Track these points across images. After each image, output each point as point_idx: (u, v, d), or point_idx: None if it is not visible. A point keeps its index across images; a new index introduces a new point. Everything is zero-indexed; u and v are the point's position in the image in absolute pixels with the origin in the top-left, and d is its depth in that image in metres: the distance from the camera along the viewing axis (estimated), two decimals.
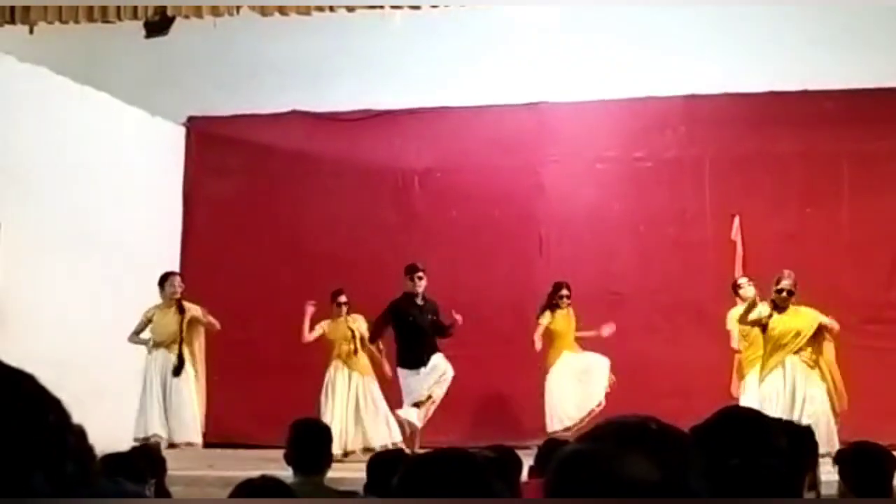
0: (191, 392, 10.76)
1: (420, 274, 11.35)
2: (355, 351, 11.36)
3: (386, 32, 9.98)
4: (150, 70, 11.72)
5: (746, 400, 9.90)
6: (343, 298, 11.45)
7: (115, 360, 11.43)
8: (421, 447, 10.45)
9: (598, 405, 11.18)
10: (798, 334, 10.17)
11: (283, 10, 9.51)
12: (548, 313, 11.52)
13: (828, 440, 9.23)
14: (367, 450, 10.95)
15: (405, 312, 11.32)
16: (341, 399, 11.28)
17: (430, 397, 11.19)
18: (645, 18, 11.26)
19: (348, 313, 11.46)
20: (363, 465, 5.47)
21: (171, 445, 10.60)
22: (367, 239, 13.19)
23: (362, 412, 11.25)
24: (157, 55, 10.72)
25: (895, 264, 12.45)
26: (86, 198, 11.87)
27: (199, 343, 10.96)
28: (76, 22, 9.52)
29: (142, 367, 11.29)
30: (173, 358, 10.73)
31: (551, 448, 5.70)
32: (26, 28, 9.65)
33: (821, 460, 4.68)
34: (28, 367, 1.46)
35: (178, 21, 9.65)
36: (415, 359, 11.25)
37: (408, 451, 8.97)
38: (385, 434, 11.15)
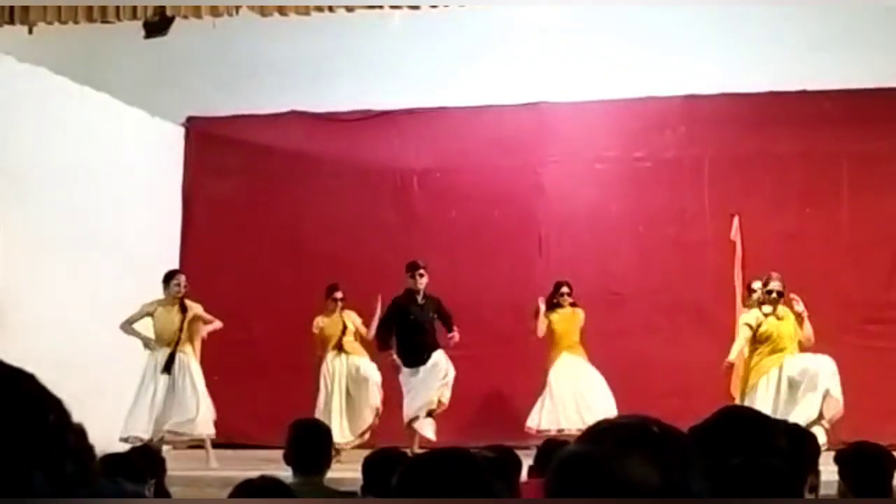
0: (201, 385, 10.75)
1: (421, 271, 11.35)
2: (342, 347, 11.38)
3: (385, 32, 9.98)
4: (150, 70, 11.72)
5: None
6: (339, 294, 11.48)
7: (114, 359, 11.42)
8: (420, 447, 10.45)
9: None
10: (791, 337, 10.21)
11: (282, 11, 9.51)
12: (546, 312, 11.49)
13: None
14: (360, 436, 11.03)
15: (405, 310, 11.33)
16: (337, 389, 11.32)
17: (440, 403, 11.18)
18: (645, 18, 11.26)
19: (343, 309, 11.48)
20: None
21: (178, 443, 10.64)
22: (366, 239, 13.19)
23: (358, 397, 11.28)
24: (156, 55, 10.72)
25: (895, 264, 12.45)
26: (85, 198, 11.86)
27: (198, 342, 10.97)
28: (75, 22, 9.51)
29: (141, 366, 11.30)
30: (176, 356, 10.73)
31: (551, 448, 5.70)
32: (25, 28, 9.65)
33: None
34: (28, 367, 1.46)
35: (178, 21, 9.65)
36: (415, 358, 11.26)
37: (407, 451, 8.96)
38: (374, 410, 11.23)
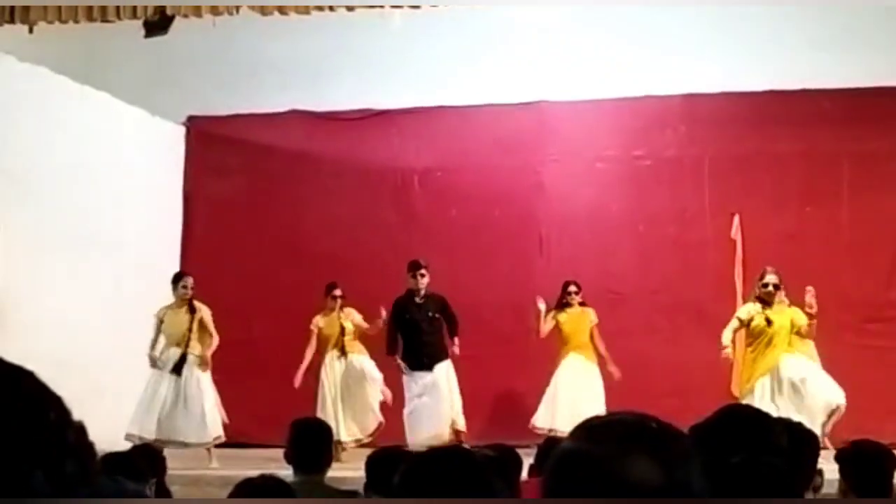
0: (209, 389, 10.74)
1: (422, 271, 11.33)
2: (342, 348, 11.38)
3: (386, 32, 9.97)
4: (150, 70, 11.71)
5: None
6: (338, 292, 11.47)
7: (114, 359, 11.43)
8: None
9: None
10: (786, 330, 10.22)
11: (282, 10, 9.51)
12: (554, 313, 11.48)
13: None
14: (367, 435, 11.03)
15: (402, 310, 11.32)
16: (336, 387, 11.32)
17: (458, 431, 11.11)
18: (645, 18, 11.25)
19: (342, 307, 11.47)
20: (363, 464, 5.47)
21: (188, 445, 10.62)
22: (367, 238, 13.19)
23: (361, 395, 11.27)
24: (156, 55, 10.71)
25: (895, 263, 12.45)
26: (86, 198, 11.86)
27: (211, 342, 10.95)
28: (76, 21, 9.51)
29: (142, 366, 11.29)
30: (188, 358, 10.72)
31: (551, 447, 5.70)
32: (26, 28, 9.64)
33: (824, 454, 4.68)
34: (28, 367, 1.46)
35: (178, 20, 9.64)
36: (416, 361, 11.24)
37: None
38: (374, 417, 11.20)
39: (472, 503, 2.00)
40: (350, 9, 9.52)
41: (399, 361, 11.27)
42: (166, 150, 13.60)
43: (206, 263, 12.93)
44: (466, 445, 8.54)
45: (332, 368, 11.43)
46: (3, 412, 1.36)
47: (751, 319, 10.29)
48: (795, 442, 2.79)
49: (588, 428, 1.53)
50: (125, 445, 5.40)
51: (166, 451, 8.12)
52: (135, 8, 9.43)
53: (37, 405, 1.40)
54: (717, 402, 2.89)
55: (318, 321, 11.49)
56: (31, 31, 9.67)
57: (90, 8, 9.42)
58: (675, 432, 1.54)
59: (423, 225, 13.30)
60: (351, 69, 12.14)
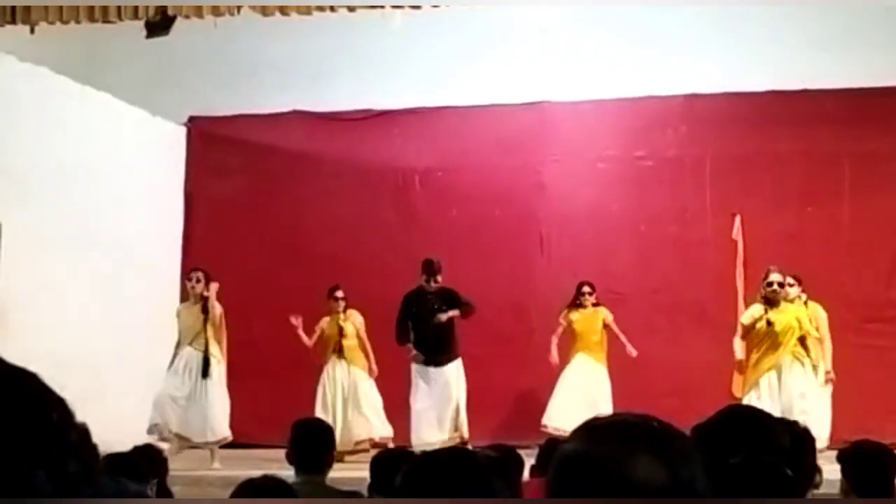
0: (222, 391, 10.74)
1: (438, 277, 11.28)
2: (340, 350, 11.37)
3: (386, 32, 9.97)
4: (151, 70, 11.71)
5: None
6: (339, 294, 11.48)
7: (115, 359, 11.43)
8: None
9: None
10: (793, 330, 10.18)
11: (283, 10, 9.51)
12: (566, 312, 11.47)
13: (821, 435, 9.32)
14: (357, 444, 11.01)
15: (410, 303, 11.32)
16: (335, 393, 11.32)
17: (462, 438, 11.12)
18: (645, 18, 11.26)
19: (345, 309, 11.48)
20: (364, 465, 5.47)
21: (197, 446, 10.62)
22: (367, 239, 13.19)
23: (362, 406, 11.29)
24: (157, 55, 10.72)
25: (895, 263, 12.45)
26: (86, 198, 11.86)
27: (223, 342, 10.96)
28: (77, 22, 9.51)
29: (142, 366, 11.31)
30: (198, 356, 10.70)
31: (553, 447, 5.69)
32: (27, 28, 9.64)
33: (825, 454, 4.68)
34: (28, 367, 1.46)
35: (179, 21, 9.65)
36: (425, 354, 11.24)
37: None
38: (368, 428, 11.19)
39: (474, 503, 2.00)
40: (351, 9, 9.52)
41: (414, 351, 11.24)
42: (167, 150, 13.60)
43: (206, 264, 12.88)
44: (468, 446, 8.55)
45: (332, 372, 11.43)
46: (5, 413, 1.36)
47: (753, 323, 10.25)
48: (796, 441, 2.79)
49: (591, 428, 1.53)
50: (126, 445, 5.39)
51: (167, 452, 8.11)
52: (136, 8, 9.43)
53: (39, 406, 1.39)
54: (717, 403, 2.89)
55: (322, 323, 11.51)
56: (32, 31, 9.68)
57: (91, 8, 9.42)
58: (678, 432, 1.54)
59: (423, 225, 13.30)
60: (352, 69, 12.14)
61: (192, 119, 13.92)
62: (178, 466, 9.68)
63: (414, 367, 11.32)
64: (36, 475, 1.35)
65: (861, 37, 11.13)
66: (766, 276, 10.32)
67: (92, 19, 9.46)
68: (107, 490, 1.58)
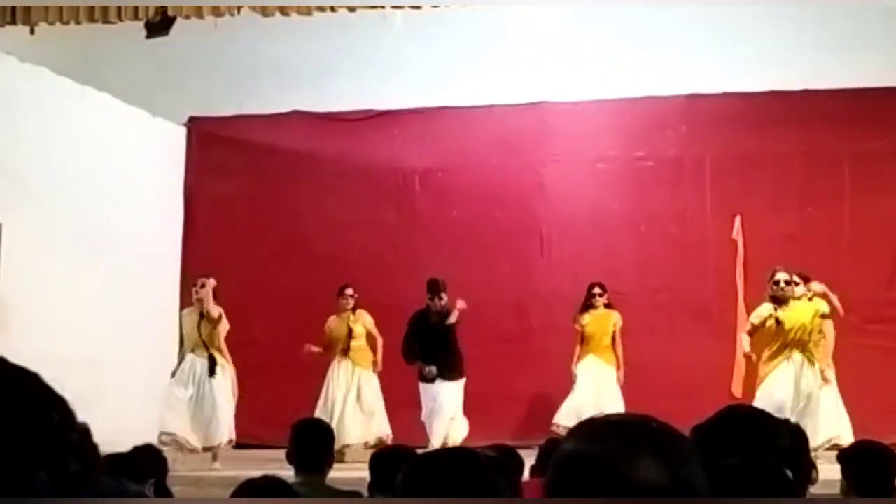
0: (226, 393, 10.74)
1: (442, 294, 11.29)
2: (347, 349, 11.37)
3: (387, 32, 9.98)
4: (151, 70, 11.71)
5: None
6: (349, 292, 11.47)
7: (116, 359, 11.44)
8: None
9: None
10: (802, 328, 10.17)
11: (284, 11, 9.51)
12: (578, 315, 11.44)
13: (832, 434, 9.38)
14: (377, 441, 11.03)
15: (418, 323, 11.31)
16: (340, 392, 11.32)
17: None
18: (645, 18, 11.26)
19: (354, 309, 11.47)
20: (364, 465, 5.47)
21: (206, 449, 10.61)
22: (368, 239, 13.19)
23: (363, 405, 11.29)
24: (157, 56, 10.72)
25: None
26: (86, 198, 11.86)
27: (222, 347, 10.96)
28: (77, 22, 9.51)
29: (142, 366, 11.31)
30: (200, 361, 10.68)
31: (553, 448, 5.68)
32: (27, 28, 9.64)
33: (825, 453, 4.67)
34: (28, 367, 1.46)
35: (179, 21, 9.65)
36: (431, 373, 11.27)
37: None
38: (369, 427, 11.22)
39: (475, 503, 2.00)
40: (351, 9, 9.52)
41: (426, 370, 11.26)
42: (167, 150, 13.60)
43: (207, 264, 12.91)
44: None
45: (338, 372, 11.42)
46: (6, 413, 1.36)
47: (763, 322, 10.25)
48: (796, 441, 2.79)
49: (590, 428, 1.52)
50: (126, 446, 5.39)
51: (168, 452, 8.11)
52: (136, 9, 9.43)
53: (40, 406, 1.40)
54: (717, 403, 2.88)
55: (331, 323, 11.49)
56: (32, 31, 9.68)
57: (91, 9, 9.43)
58: (677, 433, 1.54)
59: (424, 225, 13.30)
60: (352, 70, 12.15)
61: (192, 119, 13.92)
62: (179, 467, 9.68)
63: (421, 385, 11.33)
64: (37, 475, 1.35)
65: (861, 37, 11.13)
66: (773, 276, 10.31)
67: (92, 20, 9.46)
68: (107, 490, 1.59)
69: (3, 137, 10.88)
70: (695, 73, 12.19)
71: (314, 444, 5.26)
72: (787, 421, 2.87)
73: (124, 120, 12.65)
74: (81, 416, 1.46)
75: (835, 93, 12.25)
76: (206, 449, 10.59)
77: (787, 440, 2.67)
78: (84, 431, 1.43)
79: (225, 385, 10.73)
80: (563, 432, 10.38)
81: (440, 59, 11.82)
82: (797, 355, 10.15)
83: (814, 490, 2.92)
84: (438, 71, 12.09)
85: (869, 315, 12.11)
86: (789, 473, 2.56)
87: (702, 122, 12.82)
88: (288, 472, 4.95)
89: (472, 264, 12.65)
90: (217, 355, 10.71)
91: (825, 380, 10.22)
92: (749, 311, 10.99)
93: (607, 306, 11.46)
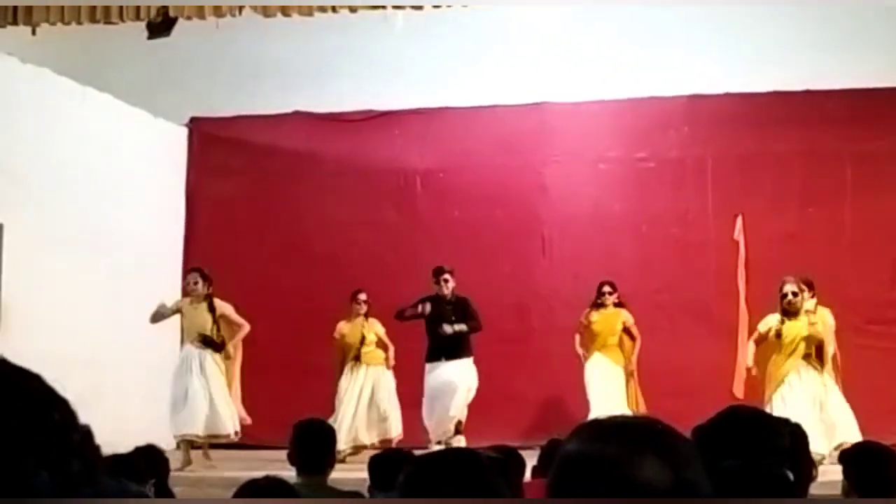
0: (221, 387, 10.74)
1: (445, 276, 11.31)
2: (360, 358, 11.39)
3: (388, 33, 9.98)
4: (153, 71, 11.72)
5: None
6: (363, 297, 11.47)
7: (116, 359, 11.44)
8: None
9: None
10: (807, 339, 10.17)
11: (285, 11, 9.51)
12: (588, 311, 11.43)
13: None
14: (384, 441, 11.05)
15: (434, 304, 11.30)
16: (354, 395, 11.33)
17: (459, 422, 11.15)
18: (647, 18, 11.26)
19: (367, 315, 11.46)
20: (365, 466, 5.47)
21: (213, 445, 10.62)
22: (369, 239, 13.19)
23: (379, 403, 11.30)
24: (159, 56, 10.72)
25: None
26: (87, 198, 11.87)
27: (235, 343, 10.94)
28: (79, 23, 9.51)
29: (143, 366, 11.31)
30: (199, 353, 10.67)
31: (555, 448, 5.69)
32: (29, 29, 9.65)
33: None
34: (30, 367, 1.46)
35: (181, 22, 9.65)
36: (435, 352, 11.25)
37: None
38: (387, 426, 11.25)
39: (477, 503, 2.00)
40: (352, 10, 9.53)
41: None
42: (168, 151, 13.60)
43: (208, 264, 12.90)
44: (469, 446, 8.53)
45: (351, 377, 11.43)
46: (7, 413, 1.37)
47: (767, 332, 10.29)
48: (796, 441, 2.79)
49: (594, 429, 1.52)
50: (127, 446, 5.39)
51: (169, 453, 8.11)
52: (138, 9, 9.43)
53: (42, 406, 1.40)
54: (718, 403, 2.89)
55: (342, 328, 11.48)
56: (33, 32, 9.68)
57: (93, 9, 9.43)
58: (680, 434, 1.54)
59: (425, 225, 13.30)
60: (353, 70, 12.15)
61: (193, 120, 13.93)
62: (180, 467, 9.69)
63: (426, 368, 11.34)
64: (38, 475, 1.36)
65: (862, 38, 11.13)
66: (781, 288, 10.28)
67: (93, 20, 9.47)
68: (108, 490, 1.58)
69: (4, 137, 10.88)
70: (696, 73, 12.19)
71: (315, 444, 5.27)
72: (787, 421, 2.87)
73: (125, 120, 12.66)
74: (82, 417, 1.46)
75: (835, 93, 12.25)
76: (213, 446, 10.57)
77: (788, 440, 2.67)
78: (85, 432, 1.43)
79: (221, 380, 10.71)
80: None
81: (441, 60, 11.83)
82: (798, 363, 10.17)
83: (814, 490, 2.92)
84: (440, 71, 12.10)
85: (870, 315, 12.12)
86: (789, 474, 2.56)
87: (703, 123, 12.82)
88: (290, 473, 4.96)
89: (473, 264, 12.64)
90: (213, 354, 10.72)
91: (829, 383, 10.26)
92: (750, 312, 10.99)
93: (617, 305, 11.45)
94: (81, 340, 10.98)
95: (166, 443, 10.41)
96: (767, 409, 9.82)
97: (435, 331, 11.22)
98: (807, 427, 2.99)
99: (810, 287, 10.55)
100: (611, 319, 11.39)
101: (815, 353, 10.21)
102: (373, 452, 10.34)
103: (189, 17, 9.54)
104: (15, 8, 9.51)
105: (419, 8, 9.55)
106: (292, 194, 13.53)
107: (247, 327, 10.91)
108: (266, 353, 12.64)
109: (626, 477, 1.43)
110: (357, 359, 11.42)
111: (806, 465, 2.77)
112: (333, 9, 9.51)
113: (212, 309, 10.74)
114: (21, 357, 1.48)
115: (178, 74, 12.00)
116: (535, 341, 12.61)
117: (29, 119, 11.22)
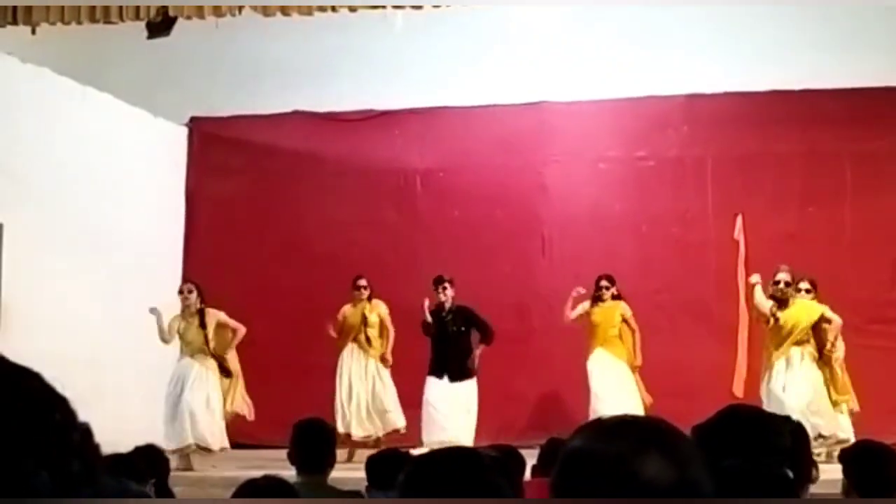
0: (216, 398, 10.74)
1: (445, 285, 11.28)
2: (367, 340, 11.39)
3: (388, 32, 9.98)
4: (152, 71, 11.72)
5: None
6: (363, 283, 11.48)
7: (116, 360, 11.43)
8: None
9: None
10: (797, 326, 10.21)
11: (285, 11, 9.51)
12: (588, 305, 11.42)
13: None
14: (393, 432, 11.05)
15: (433, 319, 11.30)
16: (357, 382, 11.33)
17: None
18: (646, 18, 11.26)
19: (370, 298, 11.47)
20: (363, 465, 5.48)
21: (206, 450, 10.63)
22: (369, 239, 13.19)
23: (380, 396, 11.31)
24: (159, 56, 10.72)
25: None
26: (87, 198, 11.87)
27: (232, 350, 10.95)
28: (78, 23, 9.52)
29: (142, 366, 11.30)
30: (193, 367, 10.68)
31: (554, 447, 5.69)
32: (28, 29, 9.65)
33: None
34: (30, 367, 1.45)
35: (180, 22, 9.65)
36: (438, 368, 11.23)
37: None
38: (388, 419, 11.26)
39: (477, 503, 2.00)
40: (352, 9, 9.53)
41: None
42: (168, 150, 13.61)
43: (208, 264, 12.95)
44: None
45: (350, 361, 11.44)
46: (7, 412, 1.36)
47: (764, 315, 10.32)
48: (796, 441, 2.79)
49: (598, 427, 1.52)
50: (127, 446, 5.39)
51: (169, 453, 8.11)
52: (137, 9, 9.44)
53: (41, 405, 1.39)
54: (718, 403, 2.88)
55: (345, 310, 11.50)
56: (33, 32, 9.68)
57: (93, 9, 9.43)
58: (682, 433, 1.54)
59: (425, 225, 13.30)
60: (353, 70, 12.15)
61: (193, 119, 13.93)
62: (180, 466, 9.69)
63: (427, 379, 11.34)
64: (38, 475, 1.35)
65: (862, 37, 11.13)
66: (775, 275, 10.34)
67: (93, 20, 9.47)
68: (108, 490, 1.58)
69: (4, 137, 10.88)
70: (696, 73, 12.19)
71: (315, 444, 5.26)
72: (787, 420, 2.87)
73: (125, 120, 12.66)
74: (82, 416, 1.46)
75: (835, 93, 12.26)
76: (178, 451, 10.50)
77: (788, 440, 2.67)
78: (85, 431, 1.43)
79: (211, 391, 10.71)
80: None
81: (441, 59, 11.83)
82: (795, 350, 10.20)
83: (814, 490, 2.92)
84: (439, 71, 12.09)
85: (870, 315, 12.12)
86: (790, 473, 2.56)
87: (703, 122, 12.82)
88: (289, 473, 4.95)
89: (473, 264, 12.65)
90: (208, 360, 10.74)
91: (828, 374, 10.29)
92: (750, 312, 10.98)
93: (615, 298, 11.45)
94: (81, 340, 10.98)
95: (166, 443, 10.48)
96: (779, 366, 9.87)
97: (436, 343, 11.22)
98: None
99: (814, 286, 10.56)
100: (609, 312, 11.39)
101: (813, 340, 10.26)
102: (371, 452, 10.42)
103: (189, 17, 9.54)
104: (15, 8, 9.51)
105: (419, 7, 9.56)
106: (292, 194, 13.53)
107: (242, 330, 10.92)
108: (266, 353, 12.65)
109: (629, 474, 1.43)
110: (357, 341, 11.41)
111: (806, 464, 2.77)
112: (333, 8, 9.51)
113: (203, 325, 10.74)
114: (21, 357, 1.47)
115: (177, 74, 12.00)
116: (535, 341, 12.60)
117: (29, 119, 11.22)
